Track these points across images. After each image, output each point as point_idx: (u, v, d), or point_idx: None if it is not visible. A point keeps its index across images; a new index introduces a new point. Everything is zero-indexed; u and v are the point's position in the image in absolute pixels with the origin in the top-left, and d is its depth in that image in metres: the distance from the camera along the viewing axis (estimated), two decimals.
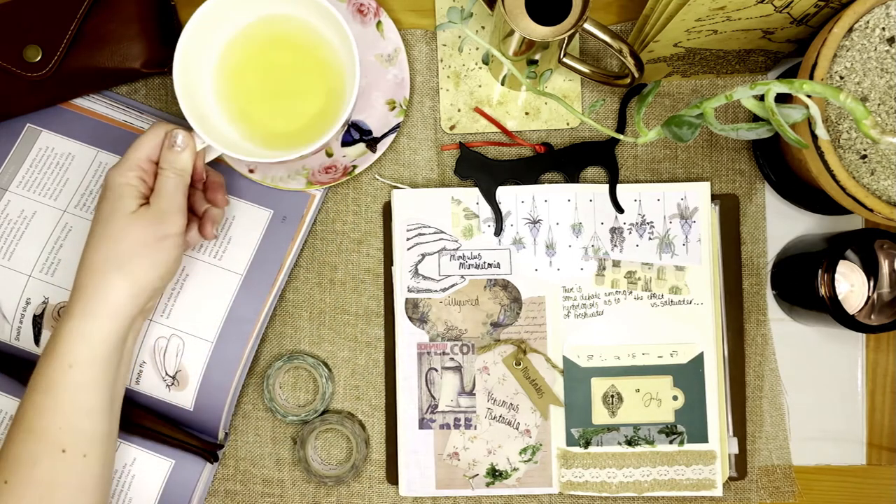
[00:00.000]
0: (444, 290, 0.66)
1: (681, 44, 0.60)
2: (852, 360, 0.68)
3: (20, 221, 0.65)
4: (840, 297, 0.60)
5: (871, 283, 0.63)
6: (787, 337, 0.68)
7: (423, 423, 0.65)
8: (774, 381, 0.67)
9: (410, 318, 0.66)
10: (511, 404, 0.65)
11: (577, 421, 0.65)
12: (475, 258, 0.66)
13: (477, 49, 0.67)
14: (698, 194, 0.65)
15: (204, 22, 0.58)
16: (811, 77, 0.53)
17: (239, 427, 0.67)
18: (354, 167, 0.65)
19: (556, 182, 0.67)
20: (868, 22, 0.53)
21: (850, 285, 0.62)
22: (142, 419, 0.63)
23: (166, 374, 0.64)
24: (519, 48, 0.58)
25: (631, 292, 0.65)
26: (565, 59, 0.62)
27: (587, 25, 0.56)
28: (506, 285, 0.66)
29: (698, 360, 0.65)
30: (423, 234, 0.66)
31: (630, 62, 0.58)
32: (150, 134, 0.57)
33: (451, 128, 0.67)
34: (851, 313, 0.60)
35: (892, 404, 0.67)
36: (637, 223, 0.66)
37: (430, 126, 0.68)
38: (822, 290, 0.60)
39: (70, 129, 0.66)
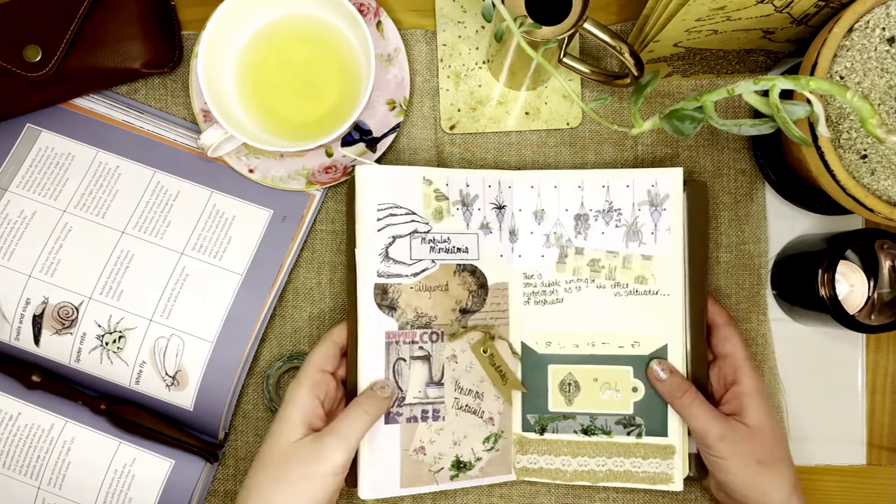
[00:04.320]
0: (416, 274, 0.61)
1: (681, 44, 0.60)
2: (852, 360, 0.68)
3: (20, 221, 0.65)
4: (840, 297, 0.60)
5: (871, 283, 0.63)
6: (787, 337, 0.68)
7: (390, 418, 0.61)
8: (774, 381, 0.67)
9: (379, 305, 0.60)
10: (477, 392, 0.63)
11: (533, 407, 0.64)
12: (445, 242, 0.62)
13: (477, 49, 0.67)
14: (670, 181, 0.62)
15: (228, 17, 0.61)
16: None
17: (239, 427, 0.67)
18: (354, 167, 0.65)
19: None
20: (868, 22, 0.53)
21: (850, 285, 0.62)
22: (142, 419, 0.63)
23: (166, 374, 0.64)
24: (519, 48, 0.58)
25: (593, 280, 0.63)
26: (565, 59, 0.62)
27: (587, 25, 0.55)
28: (473, 271, 0.63)
29: (661, 353, 0.62)
30: (395, 216, 0.61)
31: (630, 62, 0.58)
32: (322, 344, 0.60)
33: (451, 128, 0.67)
34: (851, 313, 0.60)
35: (892, 404, 0.67)
36: (604, 210, 0.63)
37: (430, 126, 0.68)
38: (822, 290, 0.60)
39: (70, 129, 0.66)
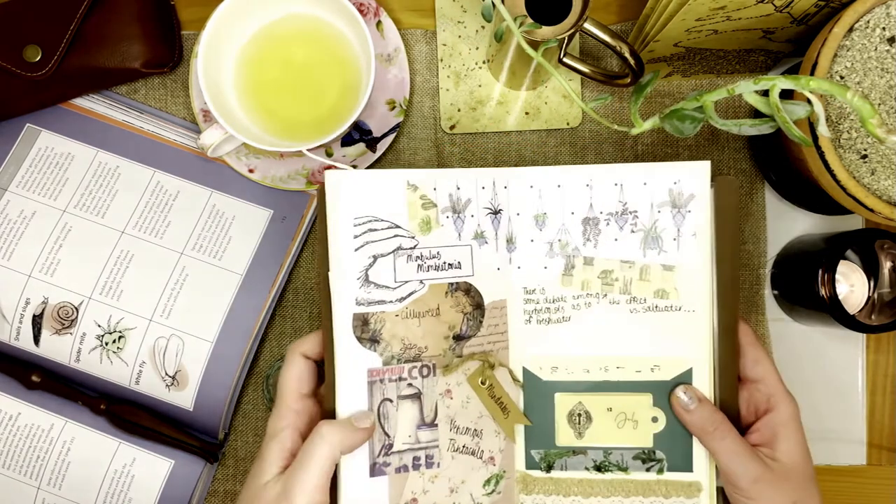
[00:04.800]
0: (402, 299, 0.52)
1: (681, 43, 0.60)
2: (852, 360, 0.68)
3: (20, 221, 0.65)
4: (840, 297, 0.60)
5: (871, 283, 0.63)
6: (787, 337, 0.68)
7: (376, 470, 0.52)
8: None
9: (359, 339, 0.52)
10: (475, 430, 0.54)
11: (539, 441, 0.55)
12: (434, 258, 0.53)
13: (477, 49, 0.67)
14: (695, 177, 0.53)
15: (228, 17, 0.61)
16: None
17: (239, 427, 0.67)
18: (354, 167, 0.65)
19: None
20: (868, 21, 0.53)
21: (850, 285, 0.62)
22: (142, 419, 0.63)
23: (166, 374, 0.64)
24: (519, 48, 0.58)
25: (605, 295, 0.54)
26: (565, 59, 0.62)
27: (587, 25, 0.55)
28: (468, 289, 0.54)
29: (685, 377, 0.54)
30: (375, 231, 0.52)
31: (630, 62, 0.58)
32: (292, 364, 0.52)
33: (451, 128, 0.67)
34: (851, 313, 0.60)
35: (892, 404, 0.67)
36: (617, 212, 0.54)
37: (430, 126, 0.68)
38: (822, 290, 0.60)
39: (70, 129, 0.66)
